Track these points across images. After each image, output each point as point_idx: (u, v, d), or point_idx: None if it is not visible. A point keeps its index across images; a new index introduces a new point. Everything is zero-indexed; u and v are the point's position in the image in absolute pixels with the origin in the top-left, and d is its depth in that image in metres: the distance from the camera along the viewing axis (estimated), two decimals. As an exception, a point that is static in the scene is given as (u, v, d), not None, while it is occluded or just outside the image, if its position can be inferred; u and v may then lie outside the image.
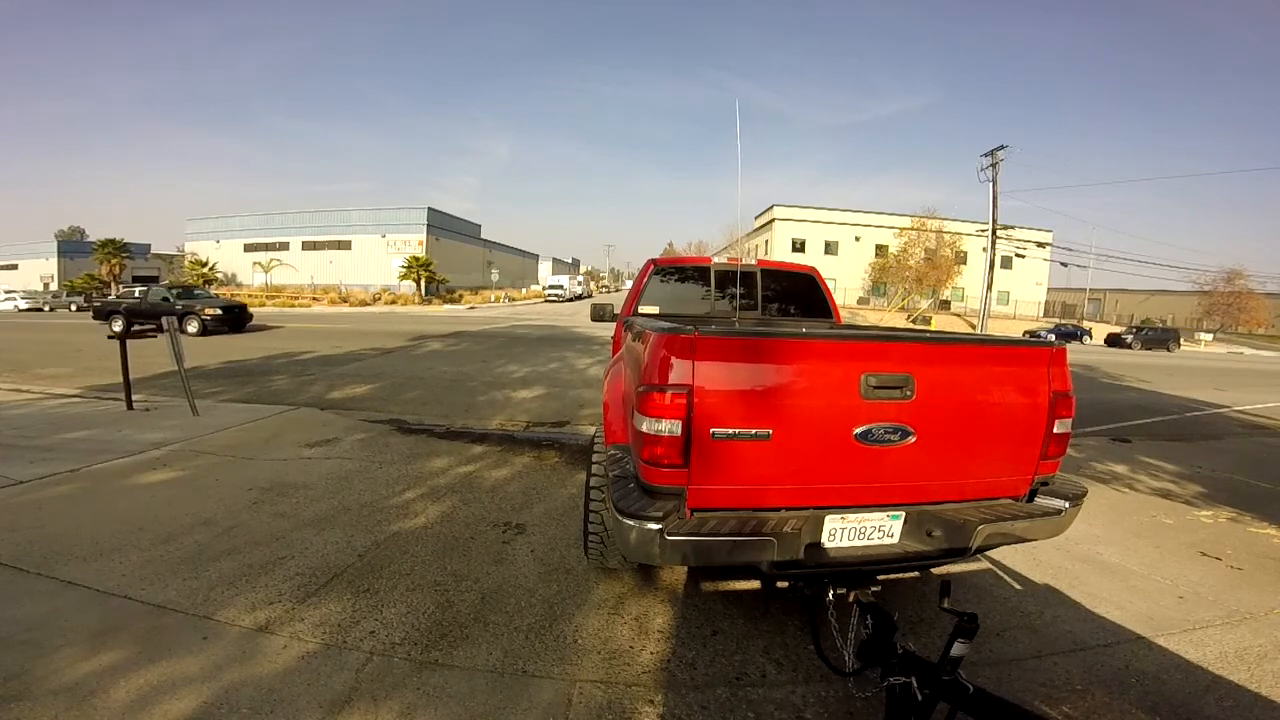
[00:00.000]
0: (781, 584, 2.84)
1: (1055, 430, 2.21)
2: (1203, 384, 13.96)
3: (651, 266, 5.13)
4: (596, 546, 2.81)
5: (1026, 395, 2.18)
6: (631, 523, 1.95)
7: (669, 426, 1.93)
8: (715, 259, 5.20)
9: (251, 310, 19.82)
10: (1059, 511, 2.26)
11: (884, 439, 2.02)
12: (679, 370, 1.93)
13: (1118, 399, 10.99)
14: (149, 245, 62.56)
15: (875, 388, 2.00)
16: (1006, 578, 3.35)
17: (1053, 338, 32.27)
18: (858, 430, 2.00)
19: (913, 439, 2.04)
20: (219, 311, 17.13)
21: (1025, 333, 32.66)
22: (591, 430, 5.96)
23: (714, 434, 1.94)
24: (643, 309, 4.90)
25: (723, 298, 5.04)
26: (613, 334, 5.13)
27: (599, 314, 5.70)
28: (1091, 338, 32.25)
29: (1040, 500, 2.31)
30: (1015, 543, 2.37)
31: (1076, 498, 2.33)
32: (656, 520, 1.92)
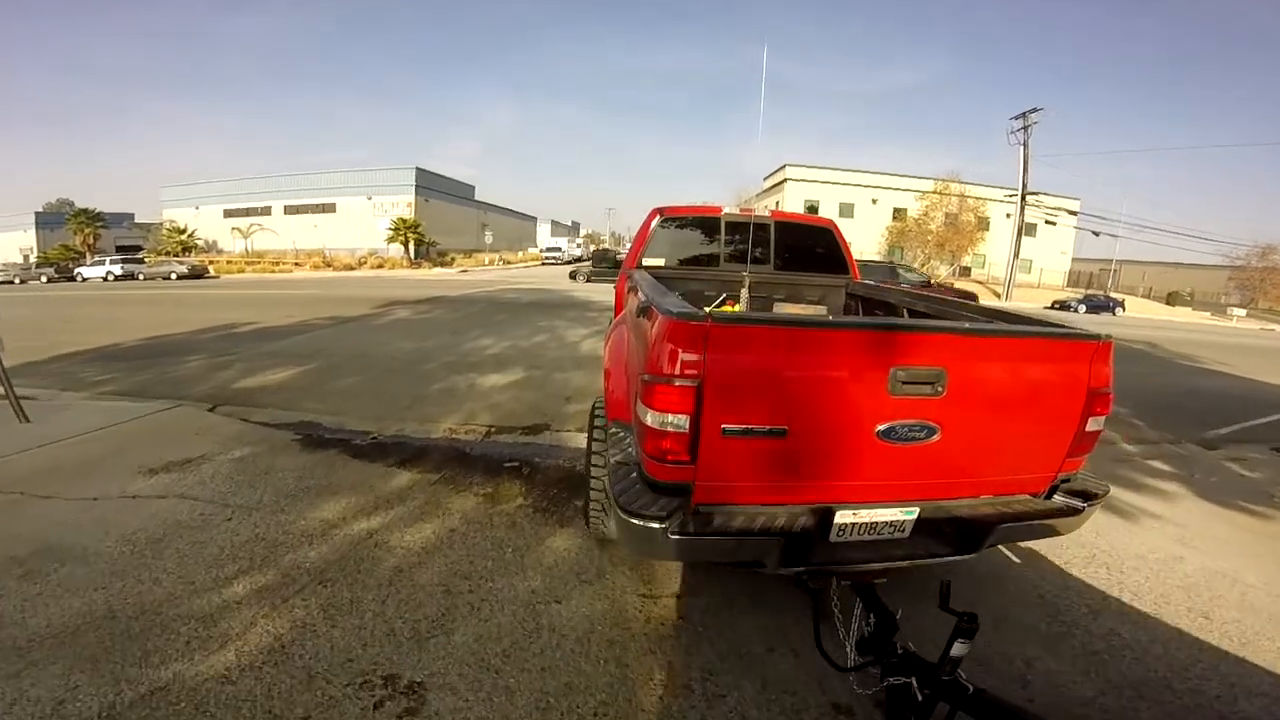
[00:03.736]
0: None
1: (1088, 428, 2.03)
2: (1287, 365, 12.09)
3: (656, 215, 4.63)
4: (598, 516, 2.62)
5: (1063, 391, 1.98)
6: (634, 521, 1.79)
7: (675, 421, 1.73)
8: (726, 209, 4.77)
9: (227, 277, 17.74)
10: (1078, 511, 2.11)
11: (908, 437, 1.83)
12: (688, 361, 1.70)
13: (1211, 386, 9.19)
14: (132, 214, 59.36)
15: (905, 383, 1.79)
16: None
17: (1082, 309, 30.35)
18: (880, 428, 1.81)
19: (938, 436, 1.85)
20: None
21: (1054, 303, 30.55)
22: (579, 441, 4.53)
23: (725, 430, 1.75)
24: (647, 261, 4.49)
25: (733, 251, 4.69)
26: (615, 292, 4.69)
27: (600, 259, 5.89)
28: (1124, 309, 30.08)
29: (1059, 498, 2.15)
30: (1028, 539, 2.39)
31: (1096, 496, 2.17)
32: (659, 519, 1.77)
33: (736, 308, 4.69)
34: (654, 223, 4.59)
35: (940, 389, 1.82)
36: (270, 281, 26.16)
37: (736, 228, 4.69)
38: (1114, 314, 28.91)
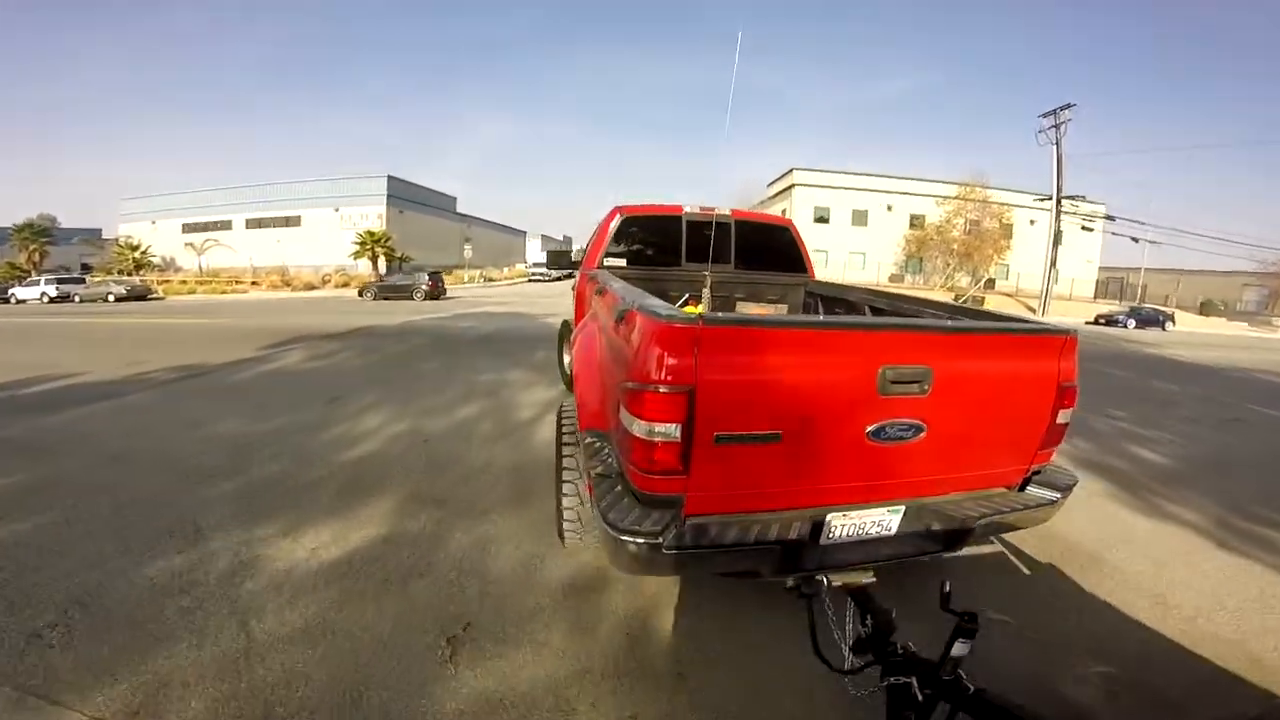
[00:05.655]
0: None
1: (1058, 421, 2.10)
2: None
3: (616, 214, 4.64)
4: (573, 526, 2.49)
5: (1036, 385, 2.06)
6: (626, 538, 1.70)
7: (665, 430, 1.65)
8: (687, 208, 4.76)
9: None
10: (1051, 502, 2.20)
11: (897, 436, 1.86)
12: (678, 367, 1.63)
13: None
14: (99, 229, 55.71)
15: (893, 382, 1.81)
16: None
17: (1132, 323, 27.15)
18: (871, 428, 1.83)
19: (923, 434, 1.89)
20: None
21: (1099, 317, 27.49)
22: None
23: (718, 438, 1.69)
24: (608, 262, 4.56)
25: (694, 250, 4.66)
26: (575, 294, 4.81)
27: (556, 261, 6.03)
28: (1174, 323, 27.08)
29: (1032, 490, 2.23)
30: (1008, 531, 2.36)
31: (1067, 487, 2.27)
32: (652, 535, 1.69)
33: (699, 307, 4.33)
34: (614, 222, 4.59)
35: (926, 388, 1.82)
36: (206, 306, 22.90)
37: (697, 227, 4.66)
38: (1163, 328, 25.87)
